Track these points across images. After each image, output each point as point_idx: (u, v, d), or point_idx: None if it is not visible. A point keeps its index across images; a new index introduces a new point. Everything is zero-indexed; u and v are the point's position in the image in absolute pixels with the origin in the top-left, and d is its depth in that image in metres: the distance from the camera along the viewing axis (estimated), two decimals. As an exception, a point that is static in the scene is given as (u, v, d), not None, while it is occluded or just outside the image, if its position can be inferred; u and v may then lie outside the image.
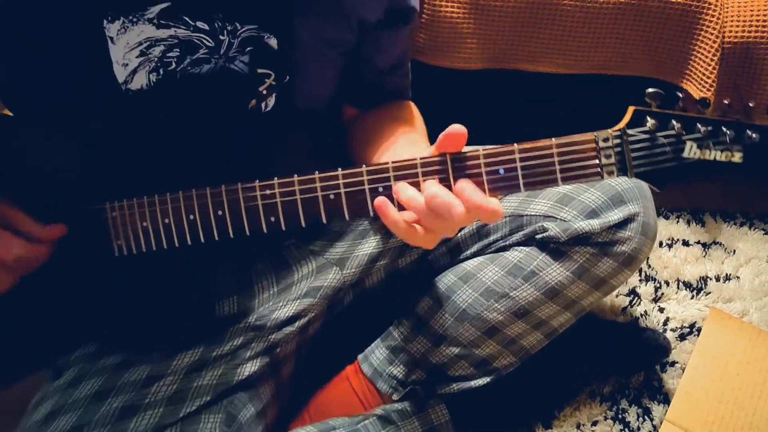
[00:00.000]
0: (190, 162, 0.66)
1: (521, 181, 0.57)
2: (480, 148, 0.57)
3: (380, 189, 0.59)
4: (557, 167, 0.57)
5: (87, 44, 0.59)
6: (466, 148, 0.58)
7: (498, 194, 0.58)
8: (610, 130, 0.57)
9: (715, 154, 0.55)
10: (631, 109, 0.57)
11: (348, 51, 0.74)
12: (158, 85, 0.63)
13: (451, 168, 0.58)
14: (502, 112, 1.27)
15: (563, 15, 1.05)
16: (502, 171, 0.57)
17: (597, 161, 0.57)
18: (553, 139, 0.57)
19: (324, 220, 0.61)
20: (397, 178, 0.58)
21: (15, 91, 0.63)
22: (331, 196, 0.60)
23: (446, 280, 0.85)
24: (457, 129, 0.56)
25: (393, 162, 0.58)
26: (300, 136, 0.75)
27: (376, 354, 0.89)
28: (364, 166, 0.59)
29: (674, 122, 0.55)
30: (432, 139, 0.92)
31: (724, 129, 0.55)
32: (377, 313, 0.92)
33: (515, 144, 0.57)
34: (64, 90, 0.62)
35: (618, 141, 0.56)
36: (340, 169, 0.60)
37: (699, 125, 0.55)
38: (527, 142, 0.57)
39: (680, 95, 0.56)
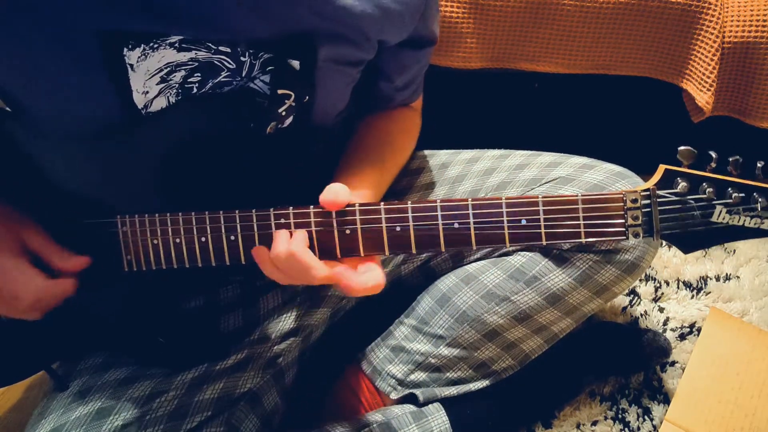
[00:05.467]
0: (203, 177, 0.65)
1: (543, 234, 0.56)
2: (503, 197, 0.57)
3: (398, 228, 0.58)
4: (581, 222, 0.56)
5: (106, 72, 0.57)
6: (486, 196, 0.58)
7: (514, 245, 0.57)
8: (639, 189, 0.55)
9: (745, 220, 0.54)
10: (661, 168, 0.55)
11: (366, 67, 0.73)
12: (176, 104, 0.62)
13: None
14: (501, 112, 1.27)
15: (563, 15, 1.05)
16: (524, 221, 0.56)
17: (623, 221, 0.56)
18: (579, 194, 0.56)
19: (338, 255, 0.60)
20: (416, 220, 0.58)
21: (30, 112, 0.62)
22: (347, 231, 0.59)
23: (448, 281, 0.85)
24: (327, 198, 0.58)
25: (412, 203, 0.58)
26: (312, 149, 0.74)
27: (375, 353, 0.89)
28: (382, 203, 0.58)
29: (705, 185, 0.54)
30: (434, 140, 0.93)
31: (756, 196, 0.53)
32: (378, 314, 0.92)
33: (539, 195, 0.56)
34: (81, 115, 0.60)
35: (647, 202, 0.55)
36: (357, 204, 0.59)
37: (730, 190, 0.54)
38: (552, 195, 0.56)
39: (713, 155, 0.54)
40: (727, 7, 1.00)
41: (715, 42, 1.00)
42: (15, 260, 0.60)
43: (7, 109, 0.62)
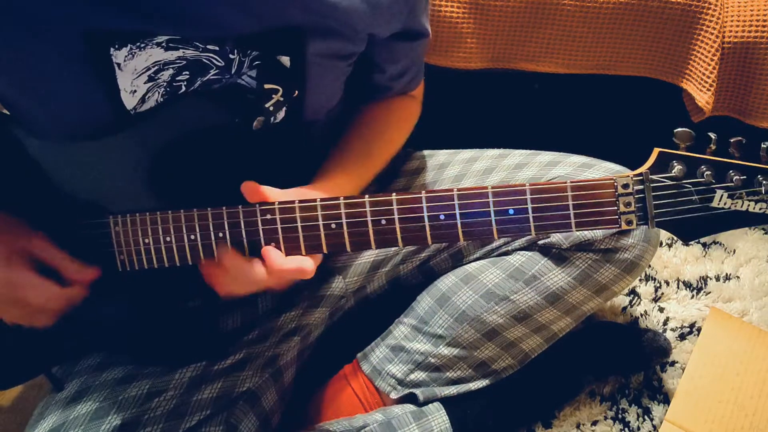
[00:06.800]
0: (195, 175, 0.65)
1: (532, 224, 0.54)
2: (489, 186, 0.55)
3: (383, 221, 0.57)
4: (571, 212, 0.53)
5: (93, 72, 0.57)
6: (472, 185, 0.57)
7: (506, 236, 0.56)
8: (631, 174, 0.52)
9: (748, 205, 0.50)
10: (656, 151, 0.52)
11: (358, 59, 0.73)
12: (165, 102, 0.62)
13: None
14: (501, 112, 1.27)
15: (563, 15, 1.05)
16: (511, 211, 0.54)
17: (615, 208, 0.53)
18: (569, 180, 0.53)
19: (325, 250, 0.59)
20: (401, 212, 0.57)
21: (22, 115, 0.62)
22: (333, 226, 0.58)
23: (447, 281, 0.85)
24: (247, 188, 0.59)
25: (396, 195, 0.57)
26: (304, 144, 0.74)
27: (375, 353, 0.89)
28: (366, 196, 0.57)
29: (704, 168, 0.51)
30: (434, 140, 0.93)
31: (760, 178, 0.50)
32: (377, 314, 0.92)
33: (527, 184, 0.54)
34: (72, 116, 0.61)
35: (640, 187, 0.52)
36: (342, 198, 0.58)
37: (732, 173, 0.50)
38: (540, 182, 0.54)
39: (712, 137, 0.51)
40: (727, 7, 1.00)
41: (715, 42, 1.00)
42: (27, 273, 0.60)
43: (5, 111, 0.62)
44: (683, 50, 1.06)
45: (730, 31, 1.00)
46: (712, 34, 1.01)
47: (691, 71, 1.06)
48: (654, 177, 0.52)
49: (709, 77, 1.02)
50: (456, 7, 1.06)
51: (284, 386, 0.81)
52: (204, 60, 0.61)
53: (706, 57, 1.02)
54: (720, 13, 1.00)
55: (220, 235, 0.61)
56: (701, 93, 1.04)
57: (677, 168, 0.51)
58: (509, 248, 0.82)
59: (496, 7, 1.05)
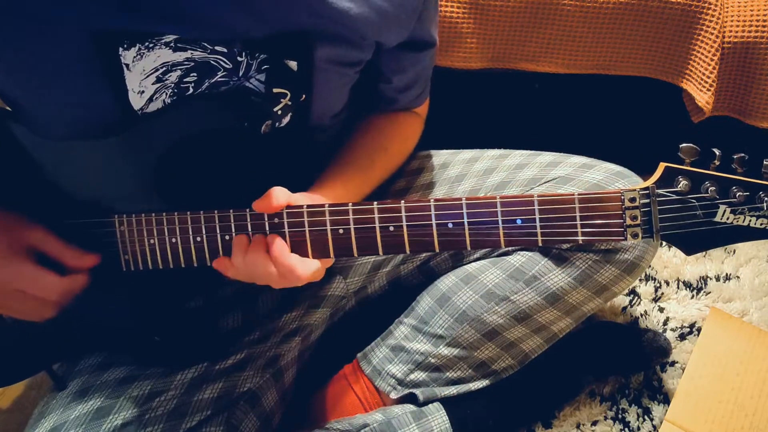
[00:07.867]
0: (201, 177, 0.65)
1: (539, 234, 0.55)
2: (498, 195, 0.56)
3: (391, 228, 0.57)
4: (578, 223, 0.54)
5: (101, 72, 0.57)
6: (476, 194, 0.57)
7: (513, 245, 0.56)
8: (637, 188, 0.54)
9: (750, 221, 0.52)
10: (662, 166, 0.54)
11: (365, 68, 0.73)
12: (172, 104, 0.62)
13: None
14: (501, 112, 1.27)
15: (563, 15, 1.05)
16: (519, 221, 0.55)
17: (621, 221, 0.54)
18: (576, 193, 0.55)
19: (332, 255, 0.59)
20: (409, 219, 0.57)
21: (28, 113, 0.62)
22: (341, 231, 0.58)
23: (448, 281, 0.85)
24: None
25: (405, 202, 0.57)
26: (310, 149, 0.74)
27: (375, 353, 0.89)
28: (375, 203, 0.58)
29: (708, 184, 0.52)
30: (434, 140, 0.93)
31: (761, 195, 0.51)
32: (378, 314, 0.92)
33: (535, 195, 0.55)
34: (78, 116, 0.61)
35: (646, 201, 0.54)
36: (350, 204, 0.58)
37: (735, 189, 0.52)
38: (548, 193, 0.55)
39: (716, 152, 0.52)
40: (727, 7, 1.00)
41: (715, 42, 1.00)
42: (25, 264, 0.60)
43: (8, 108, 0.62)
44: (683, 50, 1.06)
45: (730, 31, 1.00)
46: (712, 34, 1.01)
47: (691, 71, 1.06)
48: (660, 191, 0.54)
49: (709, 77, 1.02)
50: (456, 7, 1.06)
51: (285, 386, 0.81)
52: (212, 62, 0.61)
53: (706, 57, 1.02)
54: (720, 13, 1.00)
55: (227, 237, 0.61)
56: (701, 93, 1.04)
57: (682, 183, 0.53)
58: (509, 248, 0.82)
59: (496, 7, 1.05)
